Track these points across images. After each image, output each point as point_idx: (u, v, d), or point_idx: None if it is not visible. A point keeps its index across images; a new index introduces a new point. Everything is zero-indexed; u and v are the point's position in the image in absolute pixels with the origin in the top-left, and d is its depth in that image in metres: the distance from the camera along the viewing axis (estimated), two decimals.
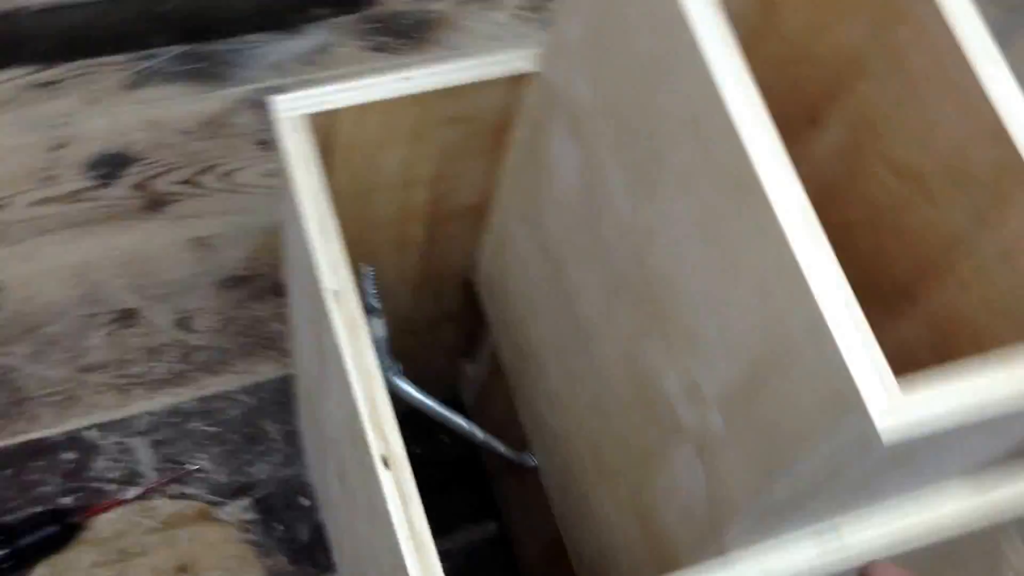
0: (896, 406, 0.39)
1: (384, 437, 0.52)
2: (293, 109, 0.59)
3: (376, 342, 0.56)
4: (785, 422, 0.44)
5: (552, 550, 0.88)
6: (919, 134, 0.51)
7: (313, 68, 1.20)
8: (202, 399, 0.99)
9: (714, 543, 0.53)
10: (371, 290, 0.62)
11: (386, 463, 0.51)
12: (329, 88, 0.60)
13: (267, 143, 1.12)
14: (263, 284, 1.05)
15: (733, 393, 0.48)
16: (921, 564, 0.62)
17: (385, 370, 0.61)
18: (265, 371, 1.01)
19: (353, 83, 0.61)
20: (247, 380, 1.01)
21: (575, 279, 0.63)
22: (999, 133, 0.46)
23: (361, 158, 0.64)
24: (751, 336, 0.45)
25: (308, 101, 0.60)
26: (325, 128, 0.61)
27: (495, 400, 0.91)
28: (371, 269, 0.62)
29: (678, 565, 0.57)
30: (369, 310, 0.61)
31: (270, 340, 1.03)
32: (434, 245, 0.76)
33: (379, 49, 1.23)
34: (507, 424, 0.82)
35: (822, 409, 0.41)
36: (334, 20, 1.24)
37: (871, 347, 0.40)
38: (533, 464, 0.78)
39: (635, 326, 0.56)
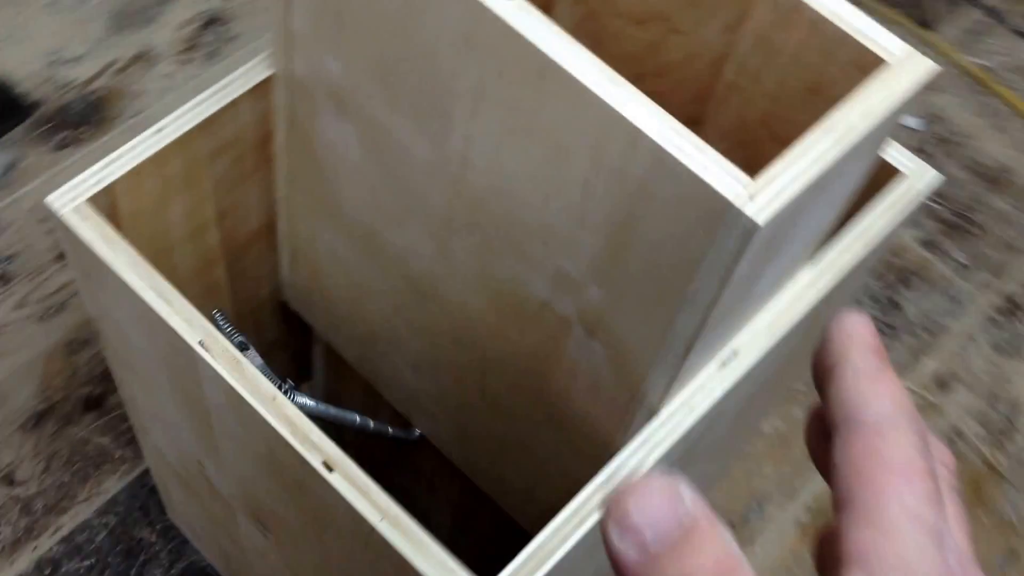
0: (755, 193, 0.44)
1: (316, 446, 0.53)
2: (71, 200, 0.58)
3: (261, 369, 0.57)
4: (664, 259, 0.48)
5: (465, 509, 0.90)
6: None
7: (9, 188, 1.15)
8: (63, 540, 0.95)
9: (640, 408, 0.57)
10: (228, 328, 0.62)
11: (329, 467, 0.52)
12: (95, 168, 0.59)
13: (3, 276, 1.07)
14: (68, 407, 1.01)
15: (604, 261, 0.52)
16: (788, 363, 0.68)
17: (281, 390, 0.61)
18: (111, 485, 0.98)
19: (114, 155, 0.60)
20: (98, 502, 0.97)
21: (398, 243, 0.65)
22: None
23: (148, 223, 0.64)
24: (602, 203, 0.49)
25: (81, 187, 0.59)
26: (105, 208, 0.60)
27: (349, 404, 0.92)
28: (219, 311, 0.62)
29: (612, 449, 0.61)
30: (240, 347, 0.61)
31: (101, 455, 0.99)
32: (239, 281, 0.76)
33: (65, 145, 1.20)
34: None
35: (695, 229, 0.46)
36: (3, 139, 1.19)
37: (710, 154, 0.44)
38: (417, 436, 0.80)
39: (480, 254, 0.59)
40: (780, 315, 0.59)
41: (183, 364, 0.58)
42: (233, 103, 0.63)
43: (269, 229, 0.75)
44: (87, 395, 1.02)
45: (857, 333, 0.30)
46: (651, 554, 0.26)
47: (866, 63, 0.49)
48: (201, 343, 0.55)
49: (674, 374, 0.54)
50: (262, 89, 0.64)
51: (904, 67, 0.48)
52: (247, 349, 0.62)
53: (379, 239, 0.66)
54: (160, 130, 0.61)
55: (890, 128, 0.51)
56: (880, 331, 1.20)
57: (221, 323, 0.62)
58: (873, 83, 0.48)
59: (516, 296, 0.59)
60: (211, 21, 1.30)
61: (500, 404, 0.69)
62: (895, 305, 1.22)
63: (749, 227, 0.44)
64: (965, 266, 1.27)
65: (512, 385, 0.66)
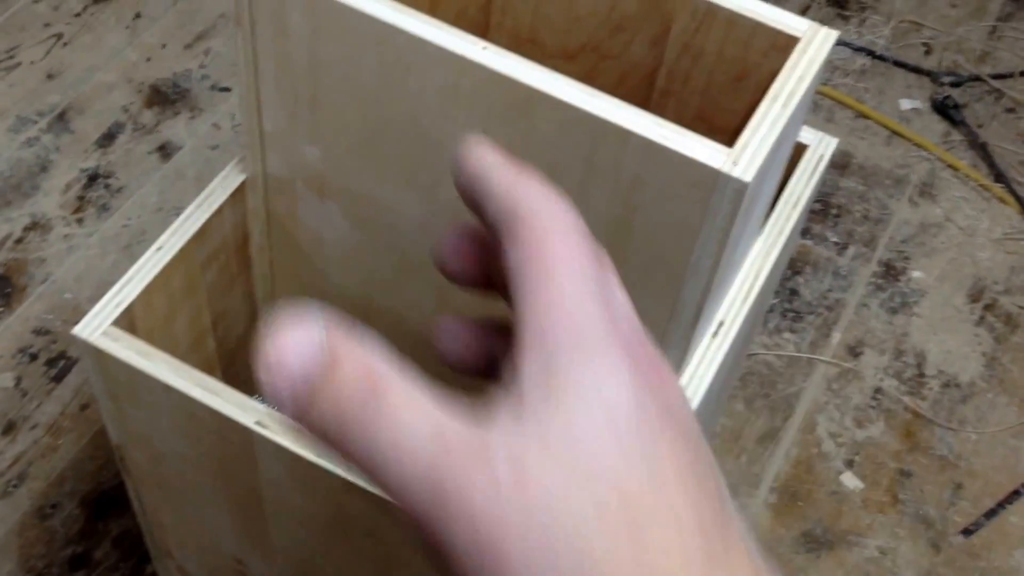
0: (736, 158, 0.51)
1: None
2: (97, 328, 0.62)
3: None
4: (664, 239, 0.55)
5: None
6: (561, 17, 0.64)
7: None
8: None
9: None
10: (271, 407, 0.65)
11: None
12: (112, 292, 0.63)
13: None
14: (54, 571, 1.01)
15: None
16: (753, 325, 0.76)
17: None
18: None
19: (126, 277, 0.64)
20: None
21: (394, 306, 0.70)
22: None
23: (160, 337, 0.67)
24: (599, 205, 0.56)
25: (103, 314, 0.62)
26: (127, 328, 0.64)
27: None
28: (256, 396, 0.66)
29: None
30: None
31: None
32: (233, 384, 0.80)
33: None
34: None
35: (690, 202, 0.53)
36: None
37: (691, 136, 0.52)
38: None
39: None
40: (747, 282, 0.67)
41: (235, 451, 0.62)
42: (218, 211, 0.67)
43: (255, 332, 0.79)
44: (71, 555, 1.02)
45: (488, 151, 0.31)
46: (302, 397, 0.26)
47: (782, 43, 0.58)
48: (258, 423, 0.59)
49: (685, 346, 0.61)
50: (239, 194, 0.69)
51: (813, 39, 0.57)
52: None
53: (374, 307, 0.71)
54: (160, 248, 0.65)
55: (814, 91, 0.60)
56: (787, 317, 1.31)
57: (264, 404, 0.66)
58: (794, 56, 0.57)
59: None
60: (94, 178, 1.33)
61: None
62: (794, 293, 1.33)
63: (738, 187, 0.51)
64: (840, 244, 1.39)
65: None
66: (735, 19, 0.58)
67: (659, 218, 0.55)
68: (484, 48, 0.54)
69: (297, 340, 0.26)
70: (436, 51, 0.54)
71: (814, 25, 0.58)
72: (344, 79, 0.58)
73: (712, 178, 0.51)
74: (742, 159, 0.51)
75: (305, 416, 0.26)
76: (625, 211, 0.55)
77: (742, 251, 0.63)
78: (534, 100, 0.53)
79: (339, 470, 0.58)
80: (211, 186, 0.68)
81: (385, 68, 0.56)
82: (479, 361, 0.33)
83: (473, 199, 0.30)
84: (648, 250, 0.57)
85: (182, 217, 0.66)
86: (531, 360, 0.27)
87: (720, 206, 0.52)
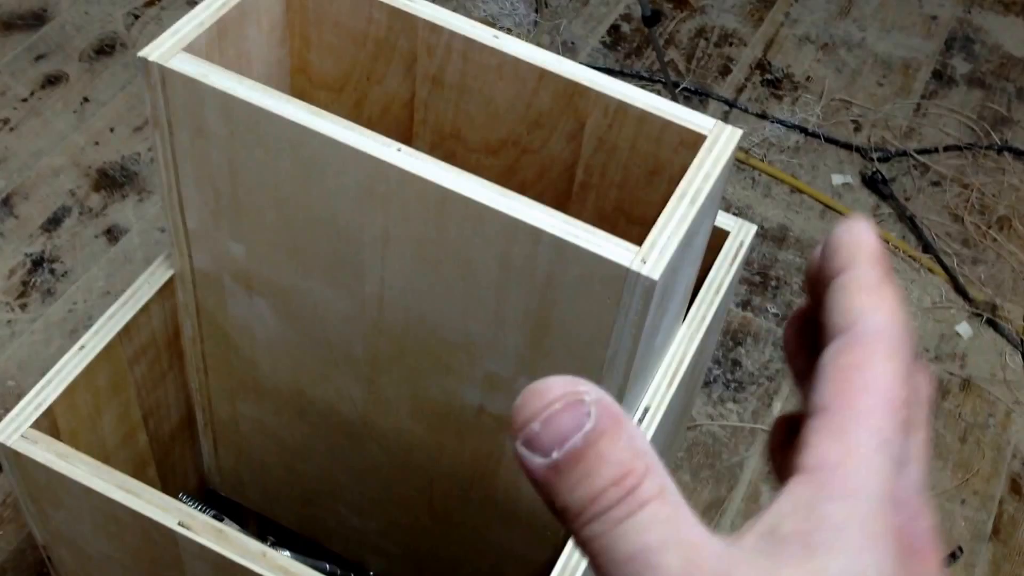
0: (645, 256, 0.53)
1: None
2: (16, 431, 0.62)
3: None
4: (581, 333, 0.56)
5: None
6: (484, 123, 0.66)
7: None
8: None
9: None
10: (198, 506, 0.65)
11: None
12: (32, 393, 0.63)
13: None
14: None
15: (527, 353, 0.59)
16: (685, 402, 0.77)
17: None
18: None
19: (48, 376, 0.64)
20: None
21: (325, 397, 0.70)
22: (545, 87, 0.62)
23: (85, 437, 0.68)
24: (515, 302, 0.57)
25: (22, 416, 0.63)
26: (48, 430, 0.64)
27: None
28: (183, 494, 0.66)
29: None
30: (216, 519, 0.65)
31: None
32: (169, 478, 0.80)
33: None
34: None
35: (603, 299, 0.54)
36: None
37: (600, 235, 0.53)
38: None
39: (410, 382, 0.66)
40: (671, 369, 0.68)
41: (160, 553, 0.62)
42: (145, 307, 0.68)
43: (189, 423, 0.79)
44: None
45: (864, 241, 0.29)
46: (558, 465, 0.26)
47: (690, 140, 0.60)
48: (181, 523, 0.59)
49: None
50: (168, 289, 0.69)
51: (719, 136, 0.59)
52: (222, 520, 0.66)
53: (305, 398, 0.72)
54: (83, 347, 0.65)
55: (723, 185, 0.62)
56: (730, 387, 1.32)
57: (190, 503, 0.66)
58: (701, 153, 0.58)
59: (451, 409, 0.66)
60: (38, 263, 1.33)
61: (451, 519, 0.74)
62: (736, 364, 1.34)
63: (648, 285, 0.52)
64: (779, 315, 1.41)
65: (460, 497, 0.72)
66: (645, 117, 0.60)
67: (574, 314, 0.56)
68: (399, 150, 0.55)
69: (564, 406, 0.26)
70: (351, 152, 0.55)
71: (719, 124, 0.60)
72: (263, 179, 0.59)
73: (622, 276, 0.53)
74: (651, 257, 0.53)
75: (552, 478, 0.27)
76: (541, 307, 0.57)
77: (662, 340, 0.64)
78: (448, 200, 0.54)
79: (262, 569, 0.58)
80: (138, 282, 0.68)
81: (302, 169, 0.58)
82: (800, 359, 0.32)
83: (826, 271, 0.29)
84: (565, 344, 0.58)
85: (106, 315, 0.67)
86: (798, 493, 0.26)
87: (631, 302, 0.54)
